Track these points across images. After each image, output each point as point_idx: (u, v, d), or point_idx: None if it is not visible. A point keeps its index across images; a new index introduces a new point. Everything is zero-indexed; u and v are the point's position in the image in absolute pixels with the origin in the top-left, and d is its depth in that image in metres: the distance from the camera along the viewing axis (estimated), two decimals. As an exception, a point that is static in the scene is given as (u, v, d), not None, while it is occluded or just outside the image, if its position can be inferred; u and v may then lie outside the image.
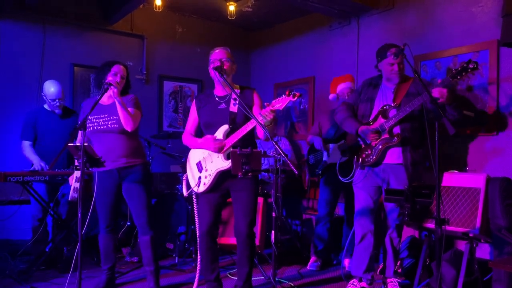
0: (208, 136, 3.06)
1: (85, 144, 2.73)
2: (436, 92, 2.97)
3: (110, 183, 3.36)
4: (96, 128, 3.32)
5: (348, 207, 4.23)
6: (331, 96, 4.33)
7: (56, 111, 4.19)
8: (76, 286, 2.70)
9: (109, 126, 3.30)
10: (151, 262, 3.37)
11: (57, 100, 4.14)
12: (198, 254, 3.20)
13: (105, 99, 3.36)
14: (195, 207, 3.18)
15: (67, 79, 5.03)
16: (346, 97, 4.14)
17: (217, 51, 3.12)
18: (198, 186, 3.10)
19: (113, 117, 3.30)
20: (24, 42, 4.87)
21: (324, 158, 4.18)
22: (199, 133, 3.32)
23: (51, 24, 5.02)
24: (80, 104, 5.07)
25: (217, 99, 3.14)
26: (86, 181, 3.65)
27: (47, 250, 3.98)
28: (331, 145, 4.16)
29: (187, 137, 3.25)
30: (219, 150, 3.00)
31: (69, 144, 2.83)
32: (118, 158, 3.31)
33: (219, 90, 3.15)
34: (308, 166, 4.44)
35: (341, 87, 4.24)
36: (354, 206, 4.17)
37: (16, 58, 4.82)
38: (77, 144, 2.81)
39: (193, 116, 3.26)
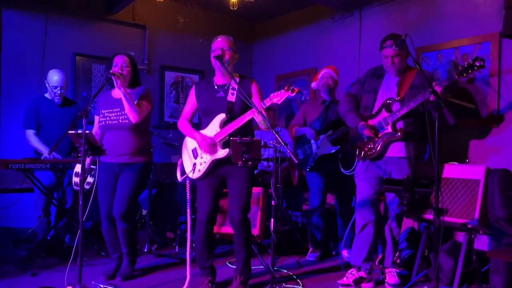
0: (205, 136, 3.07)
1: (87, 131, 2.75)
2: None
3: (111, 175, 3.40)
4: (108, 123, 3.35)
5: (340, 198, 4.23)
6: (313, 84, 4.31)
7: (56, 100, 4.19)
8: (77, 273, 2.72)
9: (120, 121, 3.33)
10: (125, 246, 3.45)
11: (58, 88, 4.14)
12: (188, 241, 3.23)
13: (117, 93, 3.36)
14: (188, 193, 3.19)
15: (69, 69, 5.04)
16: (325, 81, 4.14)
17: (219, 39, 3.12)
18: (193, 173, 3.12)
19: (124, 112, 3.32)
20: (26, 31, 4.87)
21: (314, 151, 4.14)
22: (195, 119, 3.33)
23: (53, 14, 5.01)
24: (81, 93, 5.11)
25: (216, 87, 3.15)
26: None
27: (48, 238, 4.00)
28: (321, 136, 4.13)
29: (183, 123, 3.26)
30: (210, 153, 3.03)
31: (69, 132, 2.84)
32: (121, 155, 3.35)
33: (219, 79, 3.16)
34: (297, 160, 4.36)
35: (322, 72, 4.23)
36: (346, 197, 4.18)
37: (19, 47, 4.83)
38: (78, 131, 2.82)
39: (191, 102, 3.27)
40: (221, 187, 3.18)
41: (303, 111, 4.37)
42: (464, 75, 2.92)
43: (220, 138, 3.02)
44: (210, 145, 3.02)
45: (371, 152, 3.29)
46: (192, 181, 3.22)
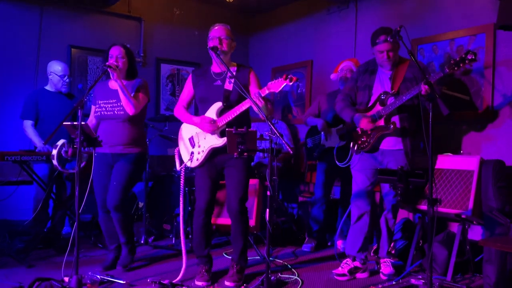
0: (204, 116, 3.07)
1: (82, 123, 2.75)
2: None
3: (105, 165, 3.41)
4: (104, 113, 3.36)
5: (343, 190, 4.27)
6: (332, 76, 4.33)
7: (64, 89, 4.22)
8: (73, 264, 2.74)
9: (115, 112, 3.34)
10: (122, 236, 3.45)
11: (66, 76, 4.19)
12: (181, 232, 3.24)
13: (114, 84, 3.35)
14: (182, 183, 3.20)
15: (64, 61, 4.98)
16: (344, 74, 4.15)
17: (216, 28, 3.13)
18: (191, 161, 3.14)
19: (120, 104, 3.32)
20: (21, 23, 4.84)
21: (322, 142, 4.19)
22: (191, 107, 3.33)
23: (48, 6, 4.99)
24: (77, 85, 5.10)
25: (213, 75, 3.16)
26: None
27: (45, 230, 4.01)
28: (332, 129, 4.16)
29: (179, 110, 3.27)
30: (212, 132, 3.04)
31: (64, 123, 2.84)
32: (115, 145, 3.35)
33: (216, 67, 3.17)
34: (306, 149, 4.45)
35: (343, 64, 4.25)
36: (350, 190, 4.22)
37: (13, 40, 4.80)
38: (74, 123, 2.83)
39: (187, 89, 3.27)
40: (218, 177, 3.20)
41: (318, 102, 4.42)
42: (456, 68, 2.92)
43: (217, 127, 3.03)
44: (210, 123, 3.02)
45: (365, 145, 3.32)
46: (187, 173, 3.23)
